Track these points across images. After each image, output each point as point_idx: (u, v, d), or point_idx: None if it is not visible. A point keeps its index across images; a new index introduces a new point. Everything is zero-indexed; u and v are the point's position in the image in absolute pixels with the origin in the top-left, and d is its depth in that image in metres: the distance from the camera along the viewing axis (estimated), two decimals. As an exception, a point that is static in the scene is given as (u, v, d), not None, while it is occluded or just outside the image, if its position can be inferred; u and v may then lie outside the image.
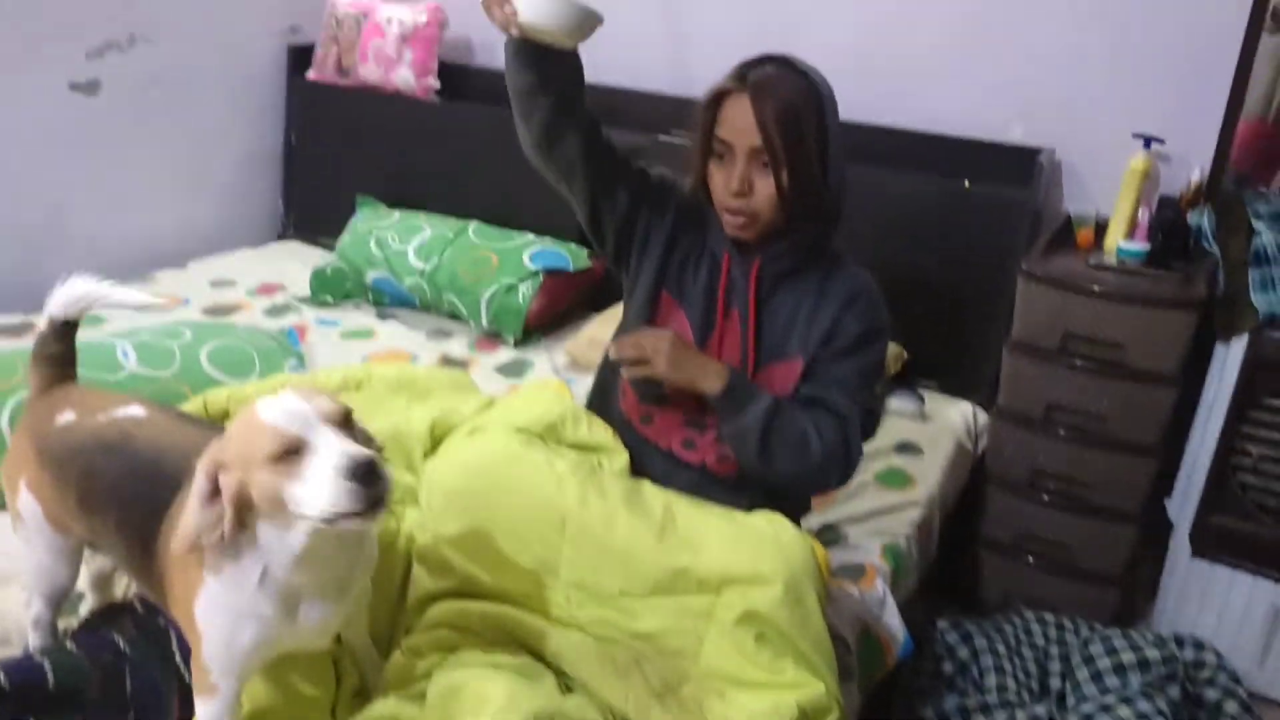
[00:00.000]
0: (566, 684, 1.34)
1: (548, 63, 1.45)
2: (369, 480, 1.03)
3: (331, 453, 1.04)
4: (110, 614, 1.45)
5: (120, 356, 1.96)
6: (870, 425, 1.77)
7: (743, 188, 1.48)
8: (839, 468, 1.53)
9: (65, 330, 1.39)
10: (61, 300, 1.37)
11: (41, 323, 1.38)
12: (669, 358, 1.48)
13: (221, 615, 1.13)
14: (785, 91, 1.45)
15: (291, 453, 1.04)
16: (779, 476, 1.53)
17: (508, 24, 1.37)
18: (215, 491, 1.07)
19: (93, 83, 2.66)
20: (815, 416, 1.51)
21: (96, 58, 2.66)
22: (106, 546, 1.30)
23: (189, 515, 1.07)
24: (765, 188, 1.48)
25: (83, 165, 2.69)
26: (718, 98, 1.49)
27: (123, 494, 1.23)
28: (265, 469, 1.05)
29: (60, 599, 1.38)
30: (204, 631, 1.14)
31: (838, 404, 1.52)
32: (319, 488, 1.03)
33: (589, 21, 1.36)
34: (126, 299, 1.40)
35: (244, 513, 1.07)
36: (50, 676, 1.28)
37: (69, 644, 1.37)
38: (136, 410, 1.31)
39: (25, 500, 1.31)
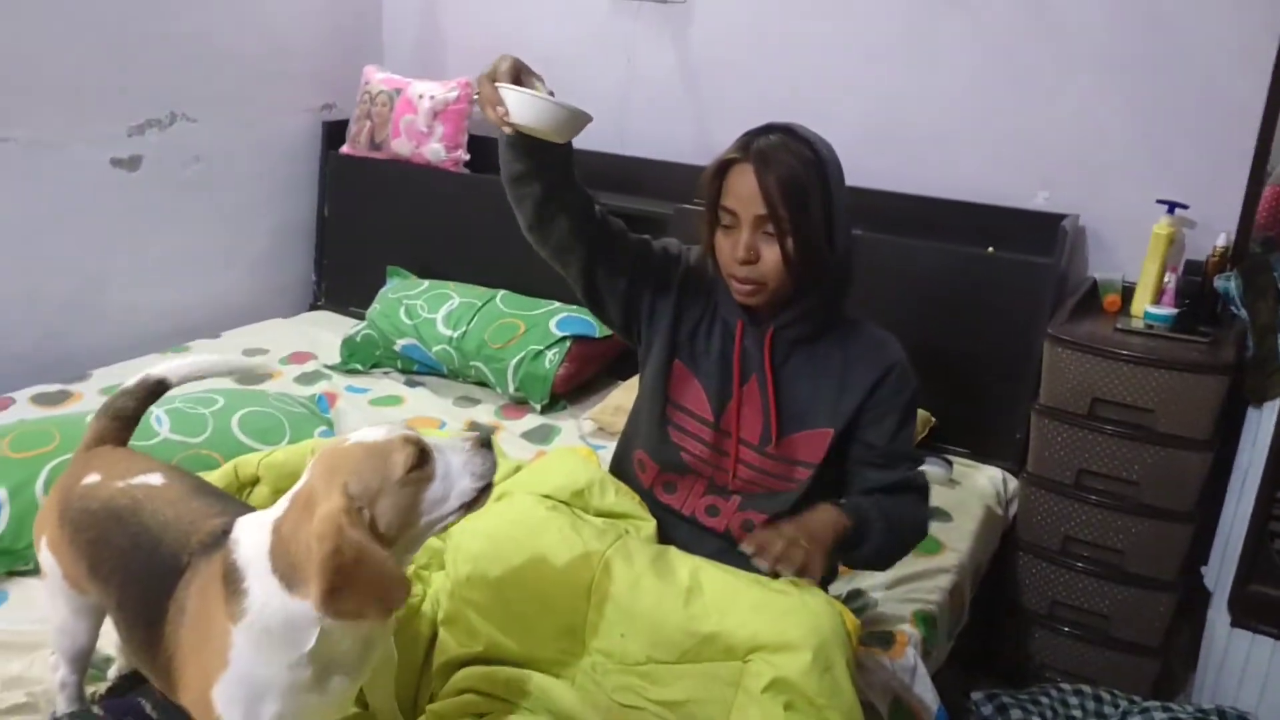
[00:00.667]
0: None
1: (538, 153, 1.48)
2: (492, 446, 1.14)
3: (453, 443, 1.12)
4: (138, 678, 1.44)
5: (154, 423, 1.99)
6: None
7: (749, 256, 1.50)
8: (922, 537, 1.63)
9: (151, 393, 1.42)
10: (182, 366, 1.42)
11: (136, 379, 1.40)
12: (801, 546, 1.40)
13: (245, 693, 1.08)
14: (788, 159, 1.47)
15: (423, 462, 1.08)
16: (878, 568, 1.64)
17: (500, 123, 1.41)
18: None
19: (134, 158, 2.75)
20: (906, 505, 1.58)
21: (138, 134, 2.74)
22: (112, 617, 1.28)
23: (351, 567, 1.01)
24: (771, 255, 1.49)
25: (122, 238, 2.76)
26: (722, 167, 1.52)
27: (128, 568, 1.21)
28: (397, 489, 1.06)
29: (84, 660, 1.37)
30: (224, 714, 1.08)
31: (915, 479, 1.60)
32: (459, 474, 1.11)
33: (577, 121, 1.40)
34: (241, 364, 1.50)
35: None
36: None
37: (95, 709, 1.36)
38: (154, 478, 1.29)
39: (46, 558, 1.32)
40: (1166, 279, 2.28)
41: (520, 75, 1.42)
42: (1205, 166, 2.36)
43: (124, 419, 1.40)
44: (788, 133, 1.51)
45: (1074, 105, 2.48)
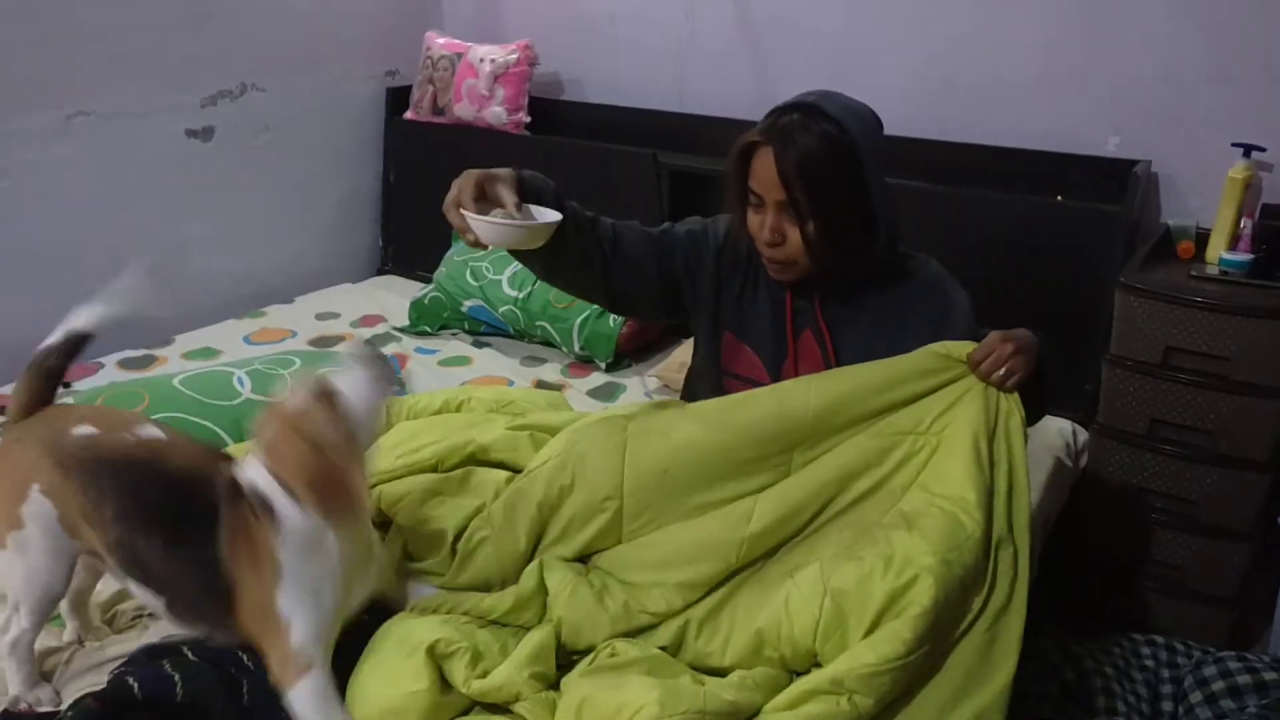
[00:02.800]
0: (697, 678, 1.35)
1: (540, 254, 1.52)
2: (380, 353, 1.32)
3: (347, 371, 1.29)
4: (155, 651, 1.43)
5: (236, 384, 2.06)
6: None
7: (774, 237, 1.51)
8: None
9: (76, 348, 1.43)
10: (95, 315, 1.44)
11: (55, 335, 1.41)
12: (1019, 347, 1.50)
13: (304, 591, 1.25)
14: (809, 142, 1.45)
15: (328, 398, 1.24)
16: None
17: (474, 245, 1.46)
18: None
19: (207, 129, 2.82)
20: None
21: (210, 105, 2.82)
22: (135, 564, 1.32)
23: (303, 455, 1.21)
24: (796, 237, 1.50)
25: (198, 207, 2.84)
26: (747, 148, 1.51)
27: (165, 515, 1.29)
28: (333, 439, 1.22)
29: (49, 611, 1.37)
30: (290, 617, 1.24)
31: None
32: (364, 389, 1.27)
33: (544, 232, 1.44)
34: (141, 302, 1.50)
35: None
36: (179, 689, 1.30)
37: (189, 653, 1.38)
38: (156, 431, 1.37)
39: (36, 505, 1.32)
40: (1242, 224, 2.22)
41: (485, 187, 1.45)
42: (1283, 107, 2.29)
43: (54, 375, 1.42)
44: (811, 110, 1.48)
45: (1146, 46, 2.41)
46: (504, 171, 1.48)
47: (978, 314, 1.64)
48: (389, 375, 1.33)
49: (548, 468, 1.50)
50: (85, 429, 1.34)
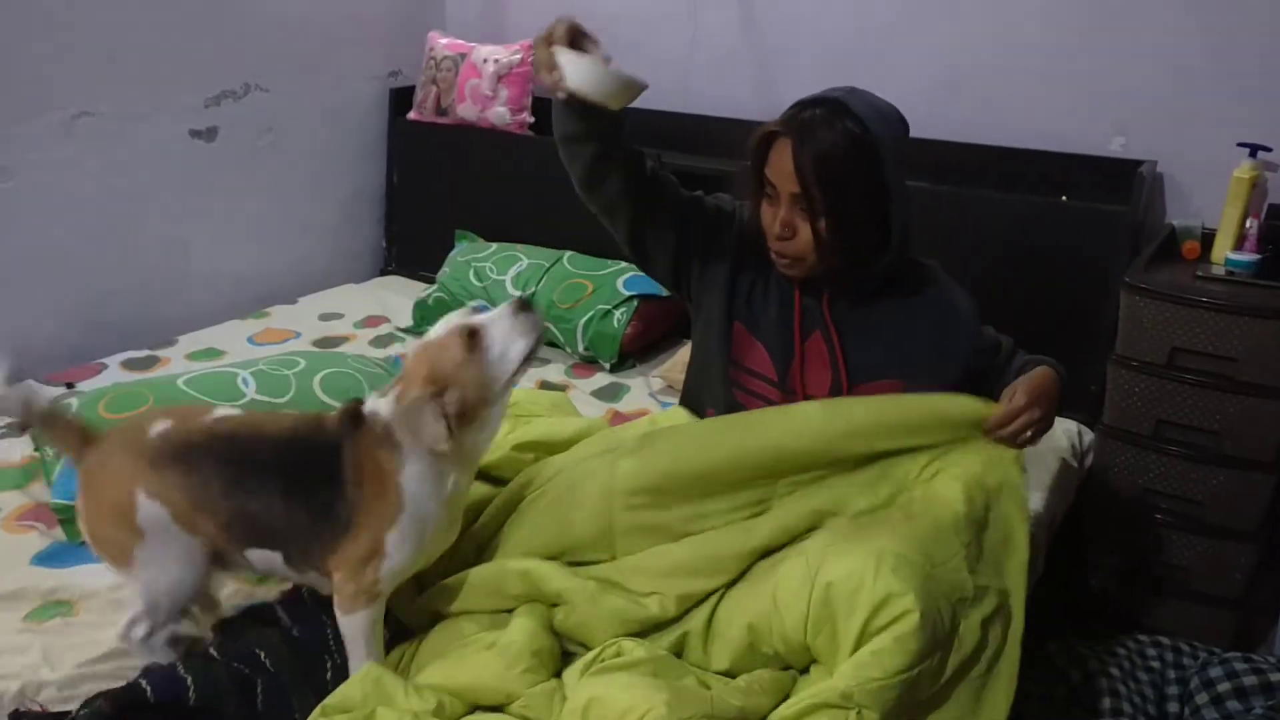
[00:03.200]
0: (704, 680, 1.35)
1: (592, 116, 1.47)
2: (532, 307, 1.39)
3: (496, 314, 1.37)
4: (256, 616, 1.50)
5: (241, 385, 2.06)
6: None
7: (784, 231, 1.49)
8: None
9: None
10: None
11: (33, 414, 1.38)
12: (1044, 412, 1.47)
13: (412, 528, 1.35)
14: (830, 139, 1.43)
15: (472, 338, 1.33)
16: None
17: (555, 88, 1.41)
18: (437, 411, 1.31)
19: (211, 130, 2.82)
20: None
21: (214, 106, 2.81)
22: (253, 530, 1.37)
23: (426, 433, 1.31)
24: (806, 232, 1.48)
25: (202, 208, 2.84)
26: (766, 138, 1.49)
27: (282, 467, 1.35)
28: (465, 366, 1.32)
29: (182, 609, 1.42)
30: (390, 552, 1.34)
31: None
32: (508, 337, 1.35)
33: (632, 89, 1.39)
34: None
35: (462, 418, 1.34)
36: (192, 691, 1.32)
37: (213, 651, 1.41)
38: (229, 410, 1.45)
39: (146, 511, 1.34)
40: (1248, 224, 2.22)
41: (577, 39, 1.40)
42: (1288, 107, 2.29)
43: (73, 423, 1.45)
44: (836, 106, 1.46)
45: (1151, 46, 2.40)
46: (594, 35, 1.43)
47: (980, 315, 1.64)
48: (535, 327, 1.38)
49: (534, 525, 1.53)
50: (160, 425, 1.39)
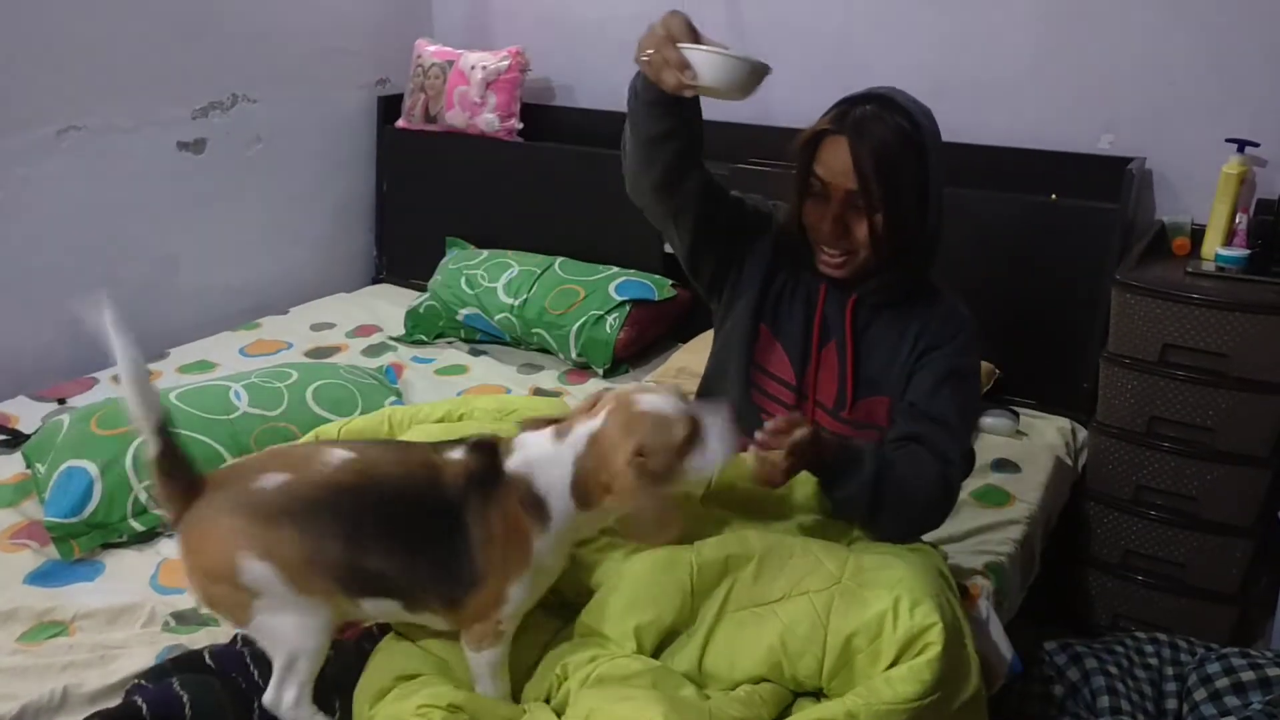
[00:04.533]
0: (704, 692, 1.34)
1: (683, 111, 1.43)
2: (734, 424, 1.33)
3: (716, 416, 1.30)
4: (184, 665, 1.45)
5: (233, 398, 2.05)
6: (969, 464, 1.64)
7: (837, 229, 1.48)
8: (939, 512, 1.51)
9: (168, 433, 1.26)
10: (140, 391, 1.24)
11: (149, 436, 1.23)
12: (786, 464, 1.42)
13: (532, 583, 1.30)
14: (884, 133, 1.43)
15: (694, 432, 1.27)
16: (878, 536, 1.51)
17: (681, 88, 1.33)
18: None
19: (199, 141, 2.81)
20: (914, 458, 1.47)
21: (201, 117, 2.81)
22: (369, 584, 1.27)
23: (640, 501, 1.25)
24: (860, 230, 1.48)
25: (191, 219, 2.83)
26: (816, 137, 1.48)
27: (400, 523, 1.27)
28: (674, 454, 1.26)
29: (317, 668, 1.29)
30: (511, 599, 1.29)
31: (939, 444, 1.48)
32: (717, 445, 1.28)
33: (759, 75, 1.32)
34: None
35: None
36: (187, 708, 1.30)
37: (207, 658, 1.40)
38: (344, 452, 1.30)
39: (252, 573, 1.22)
40: (1237, 220, 2.23)
41: (694, 31, 1.33)
42: (1275, 101, 2.29)
43: (178, 465, 1.27)
44: (885, 102, 1.46)
45: (1137, 42, 2.41)
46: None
47: (975, 344, 1.60)
48: (735, 441, 1.32)
49: None
50: (274, 478, 1.25)
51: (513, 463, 1.29)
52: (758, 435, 1.37)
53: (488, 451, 1.31)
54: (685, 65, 1.31)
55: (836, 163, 1.45)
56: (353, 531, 1.25)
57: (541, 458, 1.29)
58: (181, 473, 1.25)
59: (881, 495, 1.43)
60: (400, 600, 1.29)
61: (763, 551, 1.37)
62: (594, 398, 1.34)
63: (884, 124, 1.44)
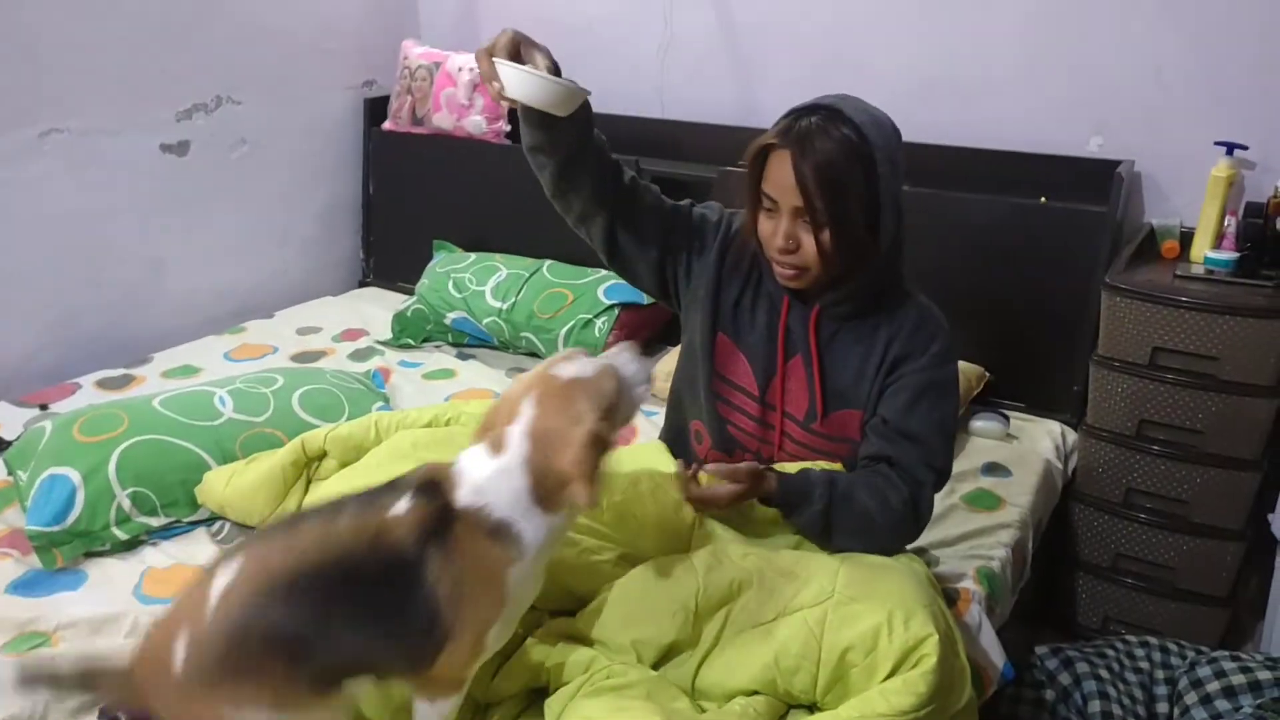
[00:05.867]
0: (696, 705, 1.33)
1: (550, 125, 1.44)
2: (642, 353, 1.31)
3: (625, 355, 1.28)
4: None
5: (218, 404, 2.03)
6: (944, 482, 1.58)
7: (788, 244, 1.46)
8: (907, 534, 1.53)
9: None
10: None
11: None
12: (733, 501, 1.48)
13: (509, 618, 1.22)
14: (828, 146, 1.40)
15: (618, 381, 1.24)
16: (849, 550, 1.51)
17: (498, 98, 1.39)
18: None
19: (183, 144, 2.78)
20: (879, 485, 1.47)
21: (185, 119, 2.78)
22: (340, 676, 1.17)
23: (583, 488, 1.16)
24: (810, 244, 1.45)
25: (176, 223, 2.80)
26: (763, 151, 1.46)
27: (349, 615, 1.15)
28: (614, 410, 1.22)
29: None
30: (489, 645, 1.21)
31: (909, 463, 1.48)
32: (638, 378, 1.25)
33: (572, 96, 1.40)
34: None
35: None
36: None
37: None
38: (229, 571, 1.15)
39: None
40: (1226, 223, 2.23)
41: (520, 49, 1.39)
42: (1264, 104, 2.29)
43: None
44: (833, 114, 1.43)
45: (1126, 45, 2.41)
46: (540, 45, 1.42)
47: (949, 355, 1.57)
48: (648, 372, 1.30)
49: None
50: (179, 644, 1.12)
51: (463, 497, 1.19)
52: (708, 466, 1.45)
53: (434, 493, 1.20)
54: (495, 77, 1.36)
55: (782, 178, 1.43)
56: (289, 647, 1.13)
57: (490, 478, 1.19)
58: (109, 682, 1.16)
59: (832, 525, 1.47)
60: (371, 674, 1.20)
61: (758, 571, 1.37)
62: (496, 404, 1.26)
63: (829, 137, 1.40)
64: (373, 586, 1.15)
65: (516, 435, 1.19)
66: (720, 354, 1.62)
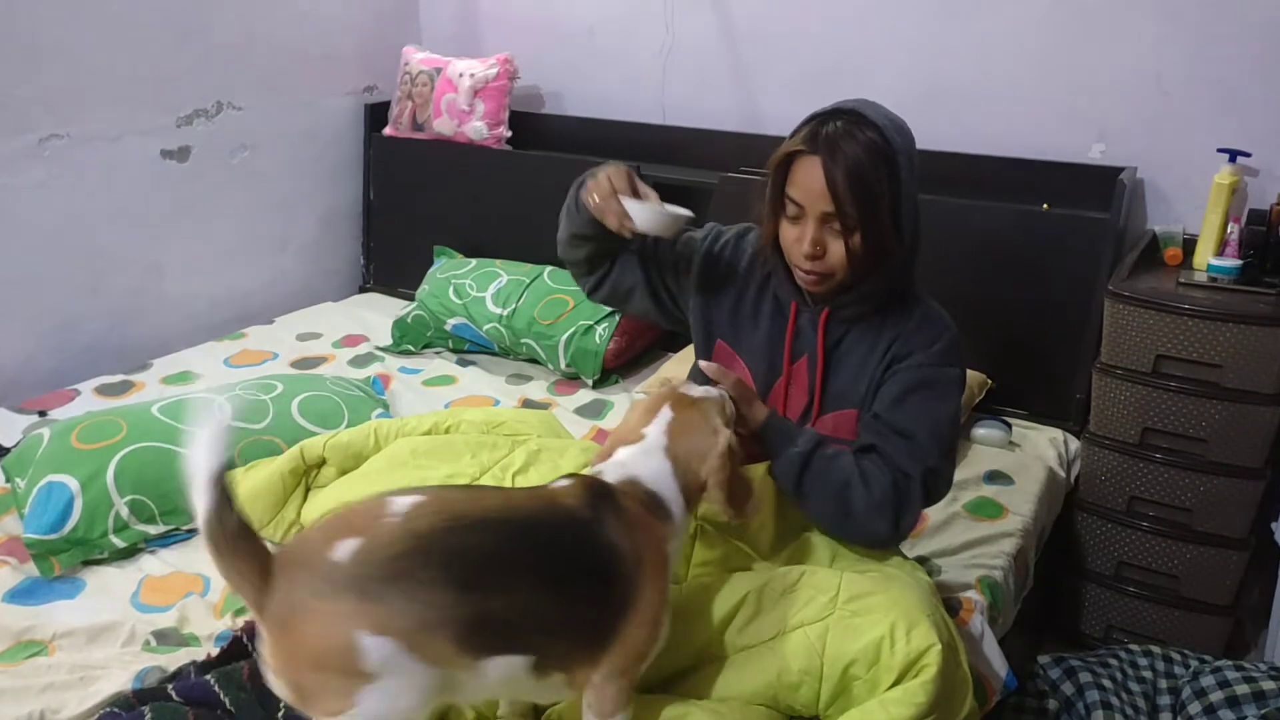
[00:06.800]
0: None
1: (603, 228, 1.55)
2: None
3: (726, 389, 1.47)
4: (230, 656, 1.44)
5: (216, 411, 2.02)
6: (936, 486, 1.53)
7: (815, 250, 1.45)
8: (884, 523, 1.45)
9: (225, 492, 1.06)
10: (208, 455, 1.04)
11: (203, 498, 1.04)
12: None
13: (669, 611, 1.25)
14: (857, 151, 1.39)
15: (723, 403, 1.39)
16: (819, 524, 1.51)
17: (622, 230, 1.51)
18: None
19: (183, 149, 2.77)
20: (865, 466, 1.46)
21: (186, 125, 2.77)
22: (498, 633, 1.12)
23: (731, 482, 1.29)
24: (837, 249, 1.45)
25: (176, 228, 2.79)
26: (789, 157, 1.46)
27: (526, 554, 1.13)
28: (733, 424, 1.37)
29: None
30: (661, 634, 1.22)
31: (895, 456, 1.46)
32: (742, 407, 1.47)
33: (686, 221, 1.56)
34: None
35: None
36: None
37: (171, 690, 1.36)
38: (415, 496, 1.14)
39: (377, 650, 1.05)
40: (1229, 230, 2.22)
41: (634, 183, 1.53)
42: (1266, 111, 2.29)
43: (240, 534, 1.08)
44: (855, 117, 1.43)
45: (1129, 52, 2.40)
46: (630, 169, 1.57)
47: (952, 356, 1.54)
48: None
49: None
50: (348, 544, 1.07)
51: (611, 474, 1.27)
52: (702, 364, 1.55)
53: (582, 478, 1.26)
54: (626, 215, 1.49)
55: (812, 184, 1.42)
56: (464, 575, 1.09)
57: (634, 458, 1.29)
58: (248, 547, 1.07)
59: (807, 477, 1.47)
60: (531, 655, 1.13)
61: (759, 589, 1.37)
62: (623, 422, 1.39)
63: (856, 141, 1.40)
64: (555, 538, 1.17)
65: (655, 430, 1.31)
66: (720, 359, 1.63)
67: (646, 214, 1.51)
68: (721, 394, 1.41)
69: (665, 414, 1.33)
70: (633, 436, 1.32)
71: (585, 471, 1.31)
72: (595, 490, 1.23)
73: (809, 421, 1.57)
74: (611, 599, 1.16)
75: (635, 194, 1.52)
